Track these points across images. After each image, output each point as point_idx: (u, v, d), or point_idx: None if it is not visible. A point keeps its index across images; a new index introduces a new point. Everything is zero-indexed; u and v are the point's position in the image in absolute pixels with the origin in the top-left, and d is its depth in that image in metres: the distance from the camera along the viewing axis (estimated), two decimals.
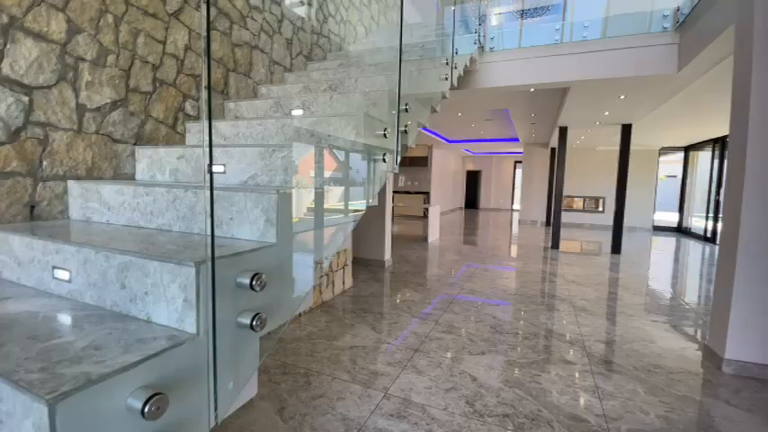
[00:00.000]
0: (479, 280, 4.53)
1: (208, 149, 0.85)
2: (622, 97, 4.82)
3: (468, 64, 4.02)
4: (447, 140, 12.78)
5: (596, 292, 4.13)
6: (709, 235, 8.67)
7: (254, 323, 0.95)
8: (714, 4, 2.80)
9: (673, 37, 3.60)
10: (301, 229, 1.22)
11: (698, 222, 9.59)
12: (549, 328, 3.02)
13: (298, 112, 1.98)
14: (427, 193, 13.33)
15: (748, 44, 2.18)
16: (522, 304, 3.63)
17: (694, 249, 7.71)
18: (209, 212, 0.89)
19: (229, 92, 2.54)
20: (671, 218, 10.91)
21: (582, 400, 2.00)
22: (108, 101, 1.85)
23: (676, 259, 6.77)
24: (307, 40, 3.18)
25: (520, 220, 12.18)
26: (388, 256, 5.06)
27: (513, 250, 7.00)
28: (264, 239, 1.10)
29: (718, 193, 8.48)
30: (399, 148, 1.80)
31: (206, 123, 0.83)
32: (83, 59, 1.74)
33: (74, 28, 1.70)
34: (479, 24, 4.27)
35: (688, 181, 10.19)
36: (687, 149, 10.11)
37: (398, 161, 1.83)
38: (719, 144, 8.41)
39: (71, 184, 1.64)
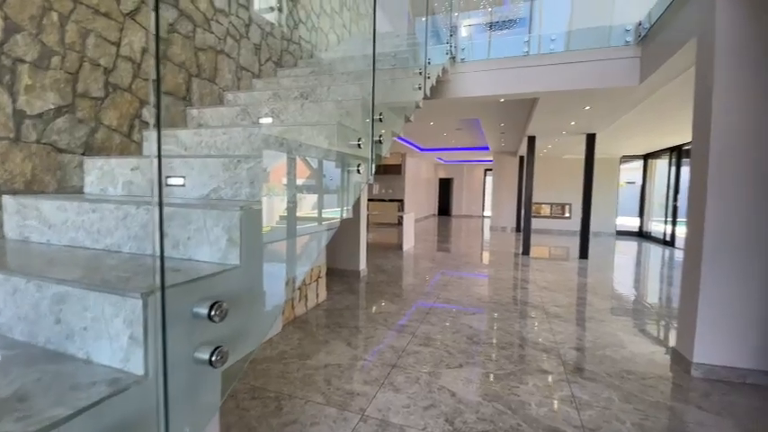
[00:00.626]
0: (455, 288, 4.52)
1: (157, 160, 0.75)
2: (587, 108, 5.01)
3: (440, 74, 4.04)
4: (420, 149, 12.91)
5: (567, 298, 4.21)
6: (668, 239, 9.16)
7: (213, 358, 0.85)
8: (674, 20, 2.95)
9: (635, 50, 3.77)
10: (270, 248, 1.12)
11: (657, 227, 10.12)
12: (525, 337, 3.03)
13: (266, 121, 1.88)
14: (401, 201, 13.37)
15: (710, 56, 2.28)
16: (497, 312, 3.63)
17: (655, 252, 8.10)
18: (159, 234, 0.78)
19: (192, 98, 2.39)
20: (632, 222, 11.47)
21: (560, 412, 1.98)
22: (52, 106, 1.68)
23: (639, 263, 7.07)
24: (276, 46, 3.07)
25: (491, 227, 12.42)
26: (363, 265, 4.96)
27: (486, 257, 7.08)
28: (227, 261, 1.00)
29: (675, 199, 8.99)
30: (374, 158, 1.73)
31: (154, 134, 0.73)
32: (22, 61, 1.57)
33: (11, 26, 1.53)
34: (451, 35, 4.32)
35: (647, 187, 10.76)
36: (646, 157, 10.69)
37: (373, 171, 1.76)
38: (676, 152, 8.94)
39: (6, 199, 1.46)
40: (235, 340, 0.95)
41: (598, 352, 2.75)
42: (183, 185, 1.46)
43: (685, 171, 9.02)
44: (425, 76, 2.92)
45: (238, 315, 0.97)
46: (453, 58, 4.51)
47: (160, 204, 0.74)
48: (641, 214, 10.99)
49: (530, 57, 4.28)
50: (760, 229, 2.21)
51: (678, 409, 2.01)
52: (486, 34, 6.53)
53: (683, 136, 7.68)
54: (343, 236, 4.86)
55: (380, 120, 1.86)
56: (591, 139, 6.99)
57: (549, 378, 2.35)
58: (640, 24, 3.67)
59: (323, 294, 3.82)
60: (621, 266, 6.63)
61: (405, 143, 11.36)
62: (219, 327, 0.90)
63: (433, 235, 10.55)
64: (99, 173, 1.68)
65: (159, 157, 0.73)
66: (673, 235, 9.00)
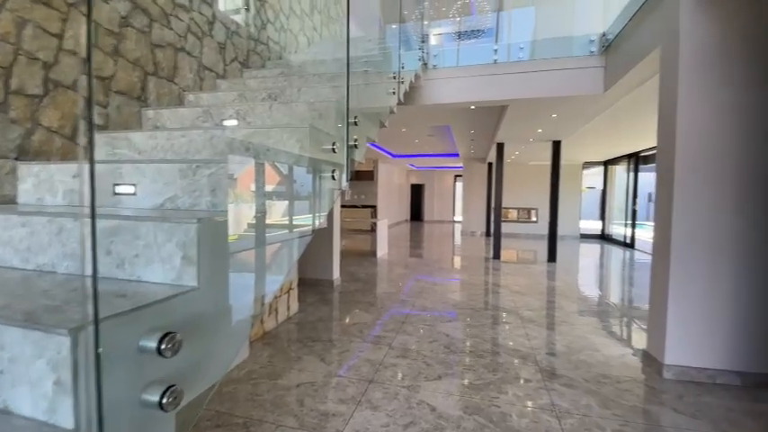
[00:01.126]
0: (430, 294, 4.47)
1: (90, 164, 0.62)
2: (554, 116, 5.16)
3: (413, 80, 4.02)
4: (392, 155, 12.92)
5: (539, 302, 4.26)
6: (628, 241, 9.61)
7: (164, 400, 0.71)
8: (638, 30, 3.07)
9: (599, 60, 3.92)
10: (234, 264, 0.99)
11: (618, 229, 10.62)
12: (501, 343, 3.00)
13: (231, 123, 1.74)
14: (374, 207, 13.30)
15: (674, 63, 2.37)
16: (472, 319, 3.61)
17: (617, 254, 8.47)
18: (92, 253, 0.64)
19: (148, 98, 2.20)
20: (594, 226, 11.99)
21: (541, 422, 1.94)
22: None
23: (603, 265, 7.35)
24: (243, 46, 2.92)
25: (462, 231, 12.59)
26: (336, 274, 4.82)
27: (459, 262, 7.12)
28: (182, 282, 0.86)
29: (634, 203, 9.48)
30: (349, 164, 1.64)
31: (102, 137, 0.60)
32: None
33: None
34: (422, 41, 4.32)
35: (608, 192, 11.29)
36: (606, 164, 11.23)
37: (348, 177, 1.66)
38: (633, 159, 9.43)
39: None
40: (192, 375, 0.82)
41: (573, 356, 2.76)
42: (133, 194, 1.30)
43: (642, 176, 9.54)
44: (399, 81, 2.87)
45: (196, 345, 0.84)
46: (425, 64, 4.51)
47: (92, 218, 0.61)
48: (603, 218, 11.51)
49: (499, 65, 4.35)
50: (726, 230, 2.30)
51: (655, 412, 2.02)
52: (455, 43, 6.63)
53: (640, 143, 8.12)
54: (315, 244, 4.69)
55: (356, 123, 1.77)
56: (556, 146, 7.23)
57: (528, 386, 2.32)
58: (604, 35, 3.82)
59: (294, 307, 3.65)
60: (587, 269, 6.86)
61: (377, 149, 11.34)
62: (173, 361, 0.76)
63: (406, 241, 10.53)
64: (35, 180, 1.48)
65: (92, 159, 0.60)
66: (632, 237, 9.46)
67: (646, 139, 7.43)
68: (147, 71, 2.22)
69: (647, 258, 7.76)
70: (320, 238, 4.65)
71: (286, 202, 1.39)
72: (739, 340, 2.29)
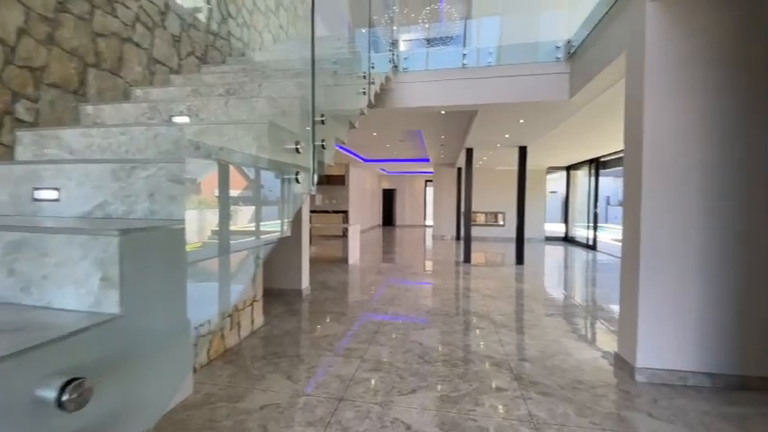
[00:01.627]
0: (402, 301, 4.36)
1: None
2: (522, 121, 5.25)
3: (384, 82, 3.93)
4: (364, 160, 12.82)
5: (510, 306, 4.27)
6: (590, 243, 9.99)
7: None
8: (603, 36, 3.14)
9: (565, 66, 4.00)
10: (169, 284, 0.82)
11: (580, 232, 11.03)
12: (475, 350, 2.94)
13: (181, 120, 1.55)
14: (346, 212, 13.10)
15: (640, 68, 2.41)
16: (445, 325, 3.53)
17: (580, 256, 8.76)
18: None
19: (88, 92, 1.96)
20: (557, 228, 12.43)
21: None
22: None
23: (568, 266, 7.57)
24: (200, 40, 2.71)
25: (433, 236, 12.65)
26: (305, 283, 4.61)
27: (431, 266, 7.08)
28: (100, 309, 0.69)
29: (595, 207, 9.88)
30: (316, 166, 1.50)
31: (29, 135, 0.43)
32: None
33: None
34: (392, 43, 4.26)
35: (570, 196, 11.72)
36: (568, 169, 11.67)
37: (315, 180, 1.52)
38: (594, 164, 9.84)
39: None
40: (110, 428, 0.65)
41: (547, 362, 2.74)
42: (56, 200, 1.10)
43: (602, 181, 9.99)
44: (369, 81, 2.77)
45: (117, 390, 0.67)
46: (396, 66, 4.44)
47: None
48: (566, 221, 11.94)
49: (468, 69, 4.36)
50: (694, 233, 2.35)
51: (631, 419, 2.01)
52: (425, 49, 6.64)
53: (601, 149, 8.48)
54: (282, 252, 4.47)
55: (323, 122, 1.64)
56: (523, 152, 7.40)
57: (504, 396, 2.25)
58: (569, 42, 3.91)
59: (259, 319, 3.42)
60: (554, 271, 7.03)
61: (348, 153, 11.20)
62: (81, 415, 0.59)
63: (378, 246, 10.41)
64: None
65: None
66: (594, 239, 9.85)
67: (606, 145, 7.77)
68: (87, 62, 1.98)
69: (609, 259, 8.07)
70: (287, 245, 4.44)
71: (243, 209, 1.23)
72: (708, 342, 2.34)
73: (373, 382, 2.41)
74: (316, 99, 1.75)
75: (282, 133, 1.34)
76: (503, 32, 5.41)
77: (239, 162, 1.25)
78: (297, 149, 1.32)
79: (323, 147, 1.61)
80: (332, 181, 12.93)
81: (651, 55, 2.35)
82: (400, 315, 3.85)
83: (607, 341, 3.20)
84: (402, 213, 18.82)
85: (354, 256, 7.54)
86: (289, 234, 1.39)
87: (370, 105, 3.59)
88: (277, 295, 4.47)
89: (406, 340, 3.15)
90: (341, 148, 10.87)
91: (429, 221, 16.75)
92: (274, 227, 1.33)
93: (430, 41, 6.91)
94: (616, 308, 4.32)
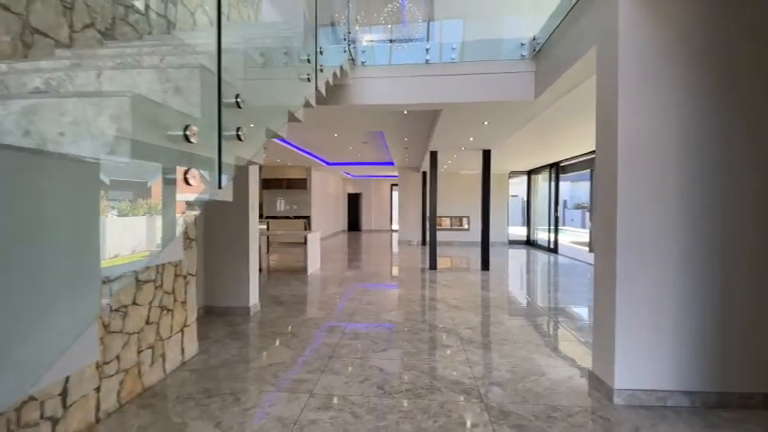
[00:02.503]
0: (363, 316, 3.98)
1: None
2: (486, 123, 5.06)
3: (338, 74, 3.56)
4: (327, 163, 12.33)
5: (478, 317, 4.01)
6: (552, 246, 10.11)
7: None
8: (570, 32, 2.95)
9: (530, 65, 3.83)
10: None
11: (542, 235, 11.18)
12: (441, 375, 2.62)
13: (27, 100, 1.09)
14: (308, 218, 12.53)
15: (613, 62, 2.21)
16: (409, 344, 3.19)
17: (543, 260, 8.79)
18: None
19: None
20: (519, 232, 12.59)
21: None
22: None
23: (532, 270, 7.52)
24: (105, 11, 2.21)
25: (399, 241, 12.38)
26: (254, 300, 4.11)
27: (396, 273, 6.76)
28: None
29: (556, 210, 10.02)
30: (221, 159, 1.10)
31: None
32: None
33: None
34: (349, 32, 3.90)
35: (531, 200, 11.88)
36: (530, 173, 11.83)
37: (223, 181, 1.12)
38: (554, 168, 9.99)
39: None
40: None
41: (519, 385, 2.46)
42: None
43: (563, 185, 10.17)
44: (317, 68, 2.39)
45: None
46: (353, 60, 4.09)
47: None
48: (528, 224, 12.08)
49: (431, 65, 4.09)
50: (672, 240, 2.16)
51: None
52: (387, 45, 6.35)
53: (561, 154, 8.59)
54: (225, 266, 3.96)
55: (239, 105, 1.24)
56: (487, 155, 7.29)
57: None
58: (535, 39, 3.74)
59: (192, 348, 2.91)
60: (519, 277, 6.93)
61: (310, 156, 10.68)
62: None
63: (342, 253, 9.97)
64: None
65: None
66: (555, 242, 9.97)
67: (567, 149, 7.84)
68: None
69: (570, 262, 8.14)
70: (231, 258, 3.94)
71: (88, 224, 0.80)
72: (686, 360, 2.16)
73: (322, 424, 2.01)
74: (235, 79, 1.35)
75: (163, 113, 0.93)
76: (466, 33, 5.23)
77: (92, 149, 0.83)
78: (185, 136, 0.92)
79: (239, 137, 1.21)
80: (293, 185, 12.35)
81: (625, 48, 2.15)
82: (360, 335, 3.46)
83: (580, 355, 2.99)
84: (368, 218, 18.45)
85: (314, 265, 7.07)
86: (179, 258, 0.97)
87: (322, 100, 3.21)
88: (221, 314, 3.94)
89: (365, 366, 2.77)
90: (301, 150, 10.34)
91: (396, 226, 16.51)
92: (150, 246, 0.91)
93: (393, 41, 6.64)
94: (584, 314, 4.19)
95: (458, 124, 5.16)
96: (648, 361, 2.16)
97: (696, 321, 2.15)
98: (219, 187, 1.08)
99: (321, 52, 2.56)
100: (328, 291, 5.33)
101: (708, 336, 2.15)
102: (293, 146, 9.02)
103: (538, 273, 7.30)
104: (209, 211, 3.98)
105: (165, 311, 2.58)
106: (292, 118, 2.11)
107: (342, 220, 17.87)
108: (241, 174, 3.88)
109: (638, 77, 2.14)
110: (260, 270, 6.24)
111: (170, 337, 2.64)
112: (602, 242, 2.34)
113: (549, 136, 6.23)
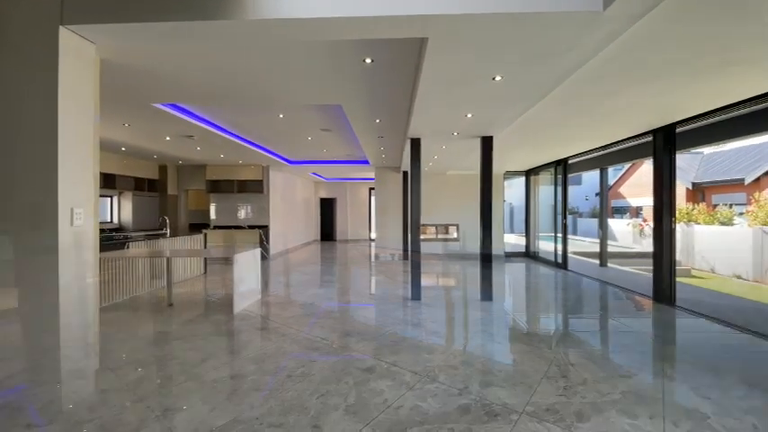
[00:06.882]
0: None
1: None
2: (498, 78, 3.15)
3: None
4: (288, 161, 10.21)
5: None
6: (559, 260, 8.29)
7: None
8: None
9: None
10: None
11: (545, 246, 9.39)
12: None
13: None
14: (266, 227, 10.35)
15: None
16: None
17: (557, 279, 6.93)
18: None
19: None
20: (513, 241, 10.84)
21: None
22: None
23: (557, 299, 5.65)
24: None
25: (377, 255, 10.37)
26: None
27: (362, 317, 4.75)
28: None
29: (564, 217, 8.22)
30: None
31: None
32: None
33: None
34: None
35: (531, 205, 10.08)
36: (528, 173, 10.06)
37: None
38: (562, 166, 8.21)
39: None
40: None
41: None
42: None
43: (572, 188, 8.41)
44: None
45: None
46: None
47: None
48: (527, 233, 10.28)
49: None
50: None
51: None
52: None
53: (570, 148, 6.82)
54: None
55: None
56: (487, 144, 5.41)
57: None
58: None
59: None
60: (537, 310, 5.03)
61: (265, 152, 8.55)
62: None
63: (301, 273, 7.88)
64: None
65: None
66: (564, 256, 8.16)
67: (583, 141, 6.04)
68: None
69: (592, 283, 6.28)
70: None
71: None
72: None
73: None
74: None
75: None
76: None
77: None
78: None
79: None
80: (245, 187, 10.15)
81: None
82: None
83: None
84: (343, 226, 16.35)
85: (246, 300, 4.94)
86: None
87: None
88: None
89: None
90: (253, 144, 8.21)
91: (375, 234, 14.54)
92: None
93: None
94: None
95: (453, 78, 3.23)
96: None
97: None
98: None
99: None
100: (236, 367, 3.27)
101: None
102: (233, 135, 6.89)
103: (558, 300, 5.42)
104: None
105: None
106: None
107: (313, 229, 15.74)
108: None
109: None
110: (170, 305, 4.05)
111: None
112: None
113: (565, 119, 4.41)
